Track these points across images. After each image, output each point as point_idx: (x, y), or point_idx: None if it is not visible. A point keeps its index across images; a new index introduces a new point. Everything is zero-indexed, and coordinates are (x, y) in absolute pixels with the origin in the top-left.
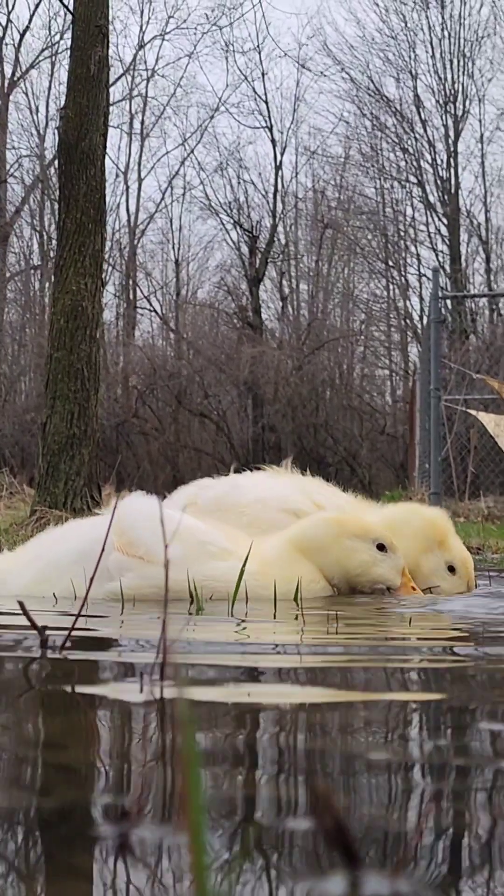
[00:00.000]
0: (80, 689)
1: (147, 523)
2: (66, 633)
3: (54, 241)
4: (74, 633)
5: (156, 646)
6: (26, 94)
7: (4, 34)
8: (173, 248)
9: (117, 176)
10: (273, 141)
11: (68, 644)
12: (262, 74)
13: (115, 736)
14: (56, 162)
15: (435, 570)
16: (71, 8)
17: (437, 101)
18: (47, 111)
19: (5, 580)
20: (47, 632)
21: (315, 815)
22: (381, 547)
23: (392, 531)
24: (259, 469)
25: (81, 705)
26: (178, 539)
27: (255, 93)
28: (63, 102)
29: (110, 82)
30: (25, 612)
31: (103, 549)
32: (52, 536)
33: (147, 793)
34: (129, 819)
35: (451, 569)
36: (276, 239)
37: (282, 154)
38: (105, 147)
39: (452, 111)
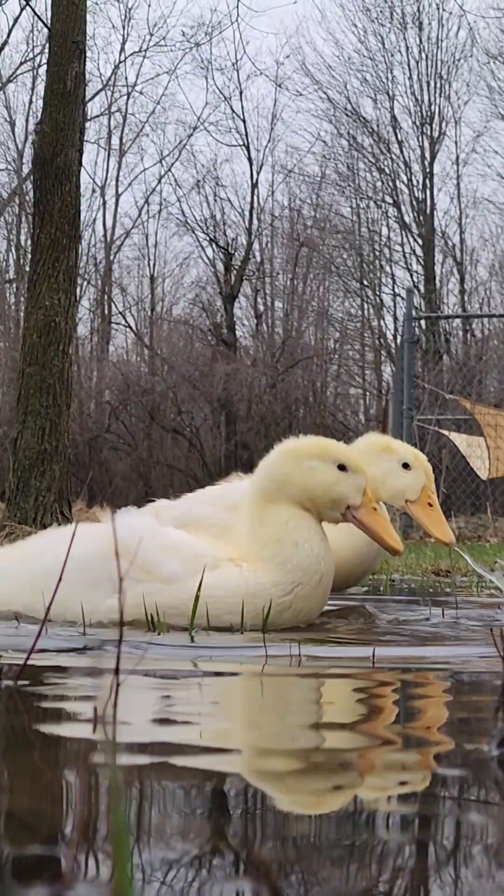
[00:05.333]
0: (31, 724)
1: (145, 540)
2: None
3: (30, 255)
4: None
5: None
6: (6, 108)
7: None
8: (149, 264)
9: (94, 191)
10: (250, 159)
11: (24, 675)
12: (240, 93)
13: (63, 779)
14: (32, 176)
15: (389, 472)
16: (48, 23)
17: (414, 123)
18: (26, 125)
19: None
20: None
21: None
22: (342, 467)
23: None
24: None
25: (32, 743)
26: (175, 554)
27: (233, 111)
28: (40, 116)
29: (88, 97)
30: None
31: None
32: (47, 540)
33: (86, 847)
34: (63, 882)
35: (406, 466)
36: (251, 256)
37: (258, 172)
38: (80, 163)
39: (429, 133)
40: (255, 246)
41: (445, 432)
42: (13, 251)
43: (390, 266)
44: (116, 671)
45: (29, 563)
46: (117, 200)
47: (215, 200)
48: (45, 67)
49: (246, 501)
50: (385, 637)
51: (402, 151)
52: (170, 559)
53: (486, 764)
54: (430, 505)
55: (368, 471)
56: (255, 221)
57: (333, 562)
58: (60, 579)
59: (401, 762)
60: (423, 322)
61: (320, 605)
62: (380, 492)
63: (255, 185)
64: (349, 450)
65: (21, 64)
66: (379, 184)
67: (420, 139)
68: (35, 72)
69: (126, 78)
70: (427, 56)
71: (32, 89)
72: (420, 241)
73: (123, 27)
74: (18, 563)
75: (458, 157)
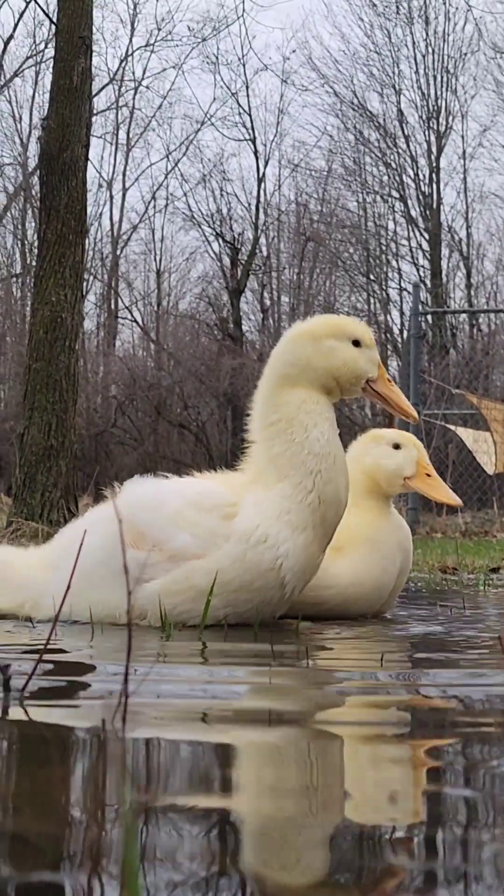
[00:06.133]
0: (39, 737)
1: (146, 512)
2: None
3: (36, 250)
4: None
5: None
6: (10, 103)
7: None
8: (155, 258)
9: (101, 186)
10: (256, 153)
11: (32, 686)
12: (247, 88)
13: (74, 799)
14: (38, 172)
15: (380, 456)
16: (54, 19)
17: (421, 117)
18: (31, 119)
19: (44, 592)
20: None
21: None
22: (356, 343)
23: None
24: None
25: (40, 759)
26: (181, 522)
27: (239, 105)
28: (46, 112)
29: (95, 92)
30: None
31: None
32: (72, 535)
33: (99, 874)
34: None
35: (396, 446)
36: (257, 251)
37: (265, 167)
38: (87, 159)
39: (435, 127)
40: (262, 240)
41: (452, 427)
42: (19, 245)
43: (397, 261)
44: (125, 679)
45: (60, 564)
46: (124, 195)
47: (222, 195)
48: (49, 62)
49: (259, 392)
50: (394, 653)
51: (408, 146)
52: (180, 532)
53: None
54: (429, 475)
55: (363, 463)
56: (261, 216)
57: (342, 449)
58: (69, 588)
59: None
60: (429, 316)
61: (346, 492)
62: (378, 478)
63: (261, 180)
64: (358, 323)
65: (26, 59)
66: (385, 178)
67: (426, 133)
68: (38, 66)
69: (133, 73)
70: (433, 50)
71: (35, 83)
72: (426, 236)
73: (131, 22)
74: (53, 567)
75: (464, 152)
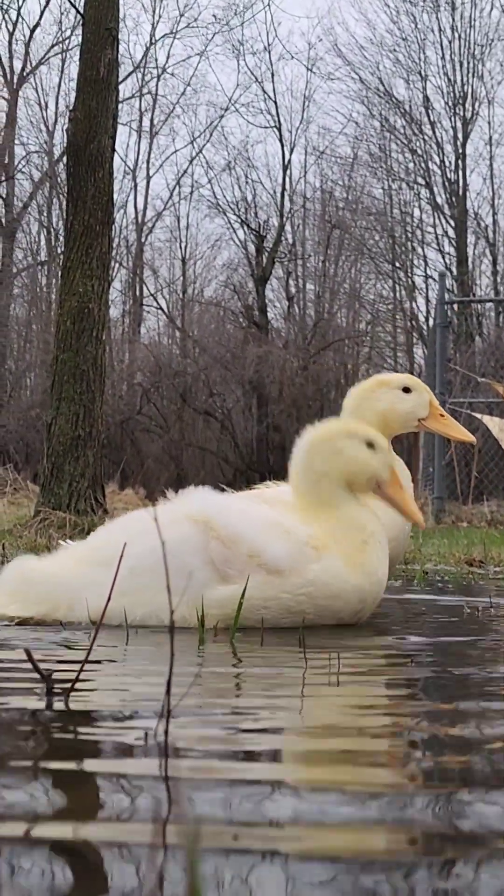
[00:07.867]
0: (82, 748)
1: (239, 517)
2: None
3: (62, 237)
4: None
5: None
6: (36, 90)
7: (15, 29)
8: (180, 246)
9: (126, 173)
10: (282, 140)
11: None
12: (272, 74)
13: (119, 815)
14: (64, 159)
15: (393, 401)
16: (81, 10)
17: (447, 103)
18: (56, 107)
19: (80, 593)
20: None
21: None
22: (370, 445)
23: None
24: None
25: (82, 774)
26: (277, 535)
27: (265, 92)
28: (72, 100)
29: (120, 80)
30: (31, 661)
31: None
32: (114, 535)
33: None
34: None
35: (406, 389)
36: (283, 238)
37: (290, 154)
38: (113, 149)
39: (461, 113)
40: (287, 228)
41: (478, 415)
42: (44, 233)
43: (422, 248)
44: (167, 692)
45: (111, 564)
46: (148, 182)
47: (247, 182)
48: (75, 50)
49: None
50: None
51: (434, 132)
52: (275, 542)
53: None
54: (442, 416)
55: (375, 409)
56: (286, 203)
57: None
58: (118, 580)
59: None
60: (455, 305)
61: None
62: (392, 423)
63: (286, 167)
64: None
65: (52, 46)
66: (411, 165)
67: (453, 120)
68: (64, 54)
69: (156, 59)
70: (460, 36)
71: (62, 71)
72: (452, 223)
73: (154, 9)
74: (105, 567)
75: (491, 138)
